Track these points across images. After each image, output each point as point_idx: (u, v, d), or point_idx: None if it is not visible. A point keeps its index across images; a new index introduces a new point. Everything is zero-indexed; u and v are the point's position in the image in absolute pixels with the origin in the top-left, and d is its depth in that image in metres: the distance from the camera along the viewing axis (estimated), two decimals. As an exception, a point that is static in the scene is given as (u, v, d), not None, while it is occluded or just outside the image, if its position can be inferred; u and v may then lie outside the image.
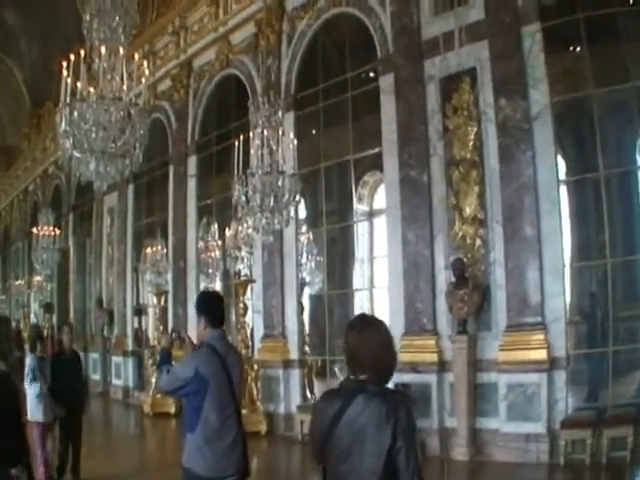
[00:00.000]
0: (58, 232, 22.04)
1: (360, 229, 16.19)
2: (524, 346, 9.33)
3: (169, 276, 17.00)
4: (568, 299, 9.90)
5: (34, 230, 21.97)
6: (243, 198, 9.88)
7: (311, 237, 14.62)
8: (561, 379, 9.21)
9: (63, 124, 7.11)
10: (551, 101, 9.68)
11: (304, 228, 14.60)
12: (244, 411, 12.11)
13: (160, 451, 12.72)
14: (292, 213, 10.44)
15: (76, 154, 7.20)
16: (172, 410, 15.24)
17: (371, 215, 16.55)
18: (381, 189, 14.71)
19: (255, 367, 13.04)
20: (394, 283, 11.42)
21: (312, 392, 13.33)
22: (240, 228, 13.67)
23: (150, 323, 19.81)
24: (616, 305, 9.76)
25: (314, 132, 14.25)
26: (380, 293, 14.14)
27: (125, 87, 7.34)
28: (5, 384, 4.84)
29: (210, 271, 15.78)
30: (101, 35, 7.56)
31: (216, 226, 15.77)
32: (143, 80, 7.91)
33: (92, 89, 7.16)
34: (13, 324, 26.77)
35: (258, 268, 14.03)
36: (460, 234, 10.48)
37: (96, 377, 20.93)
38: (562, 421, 8.96)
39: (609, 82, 9.66)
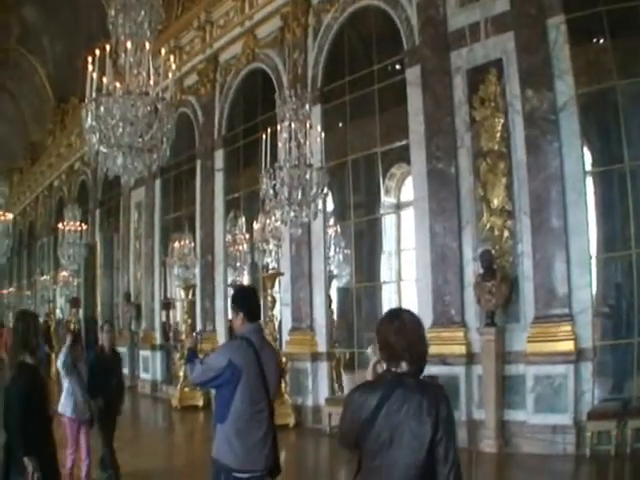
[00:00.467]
0: (85, 227, 22.45)
1: (387, 221, 16.37)
2: (551, 338, 9.46)
3: (197, 270, 17.27)
4: (594, 290, 10.01)
5: (60, 226, 22.37)
6: (271, 191, 10.03)
7: (339, 230, 14.84)
8: (587, 371, 9.34)
9: (89, 119, 7.28)
10: (576, 92, 9.81)
11: (332, 221, 14.84)
12: (271, 403, 12.49)
13: (188, 444, 12.98)
14: (320, 206, 10.67)
15: (103, 149, 7.40)
16: (200, 403, 15.53)
17: (398, 207, 16.71)
18: (408, 181, 14.91)
19: (283, 360, 13.21)
20: (422, 275, 11.58)
21: (340, 385, 13.54)
22: (268, 221, 13.84)
23: (178, 317, 20.21)
24: (642, 296, 9.86)
25: (341, 125, 14.50)
26: (408, 286, 14.37)
27: (152, 82, 7.50)
28: (33, 376, 5.00)
29: (238, 264, 15.99)
30: (127, 30, 7.75)
31: (243, 219, 16.01)
32: (170, 75, 8.00)
33: (118, 84, 7.33)
34: (41, 319, 27.37)
35: (286, 261, 14.25)
36: (488, 226, 10.60)
37: (124, 371, 21.29)
38: (588, 412, 9.09)
39: (633, 74, 9.77)
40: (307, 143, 10.26)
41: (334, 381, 13.45)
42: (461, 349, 10.59)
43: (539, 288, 9.78)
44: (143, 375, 20.05)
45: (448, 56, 11.29)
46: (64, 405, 7.85)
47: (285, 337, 14.13)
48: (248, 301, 5.25)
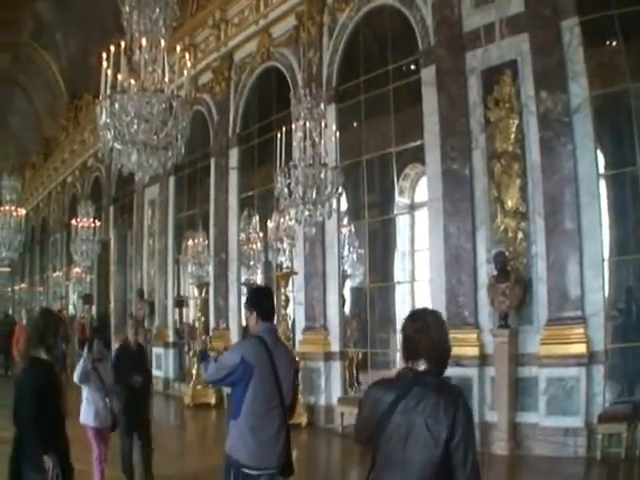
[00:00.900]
0: (98, 224, 22.73)
1: (401, 222, 16.50)
2: (564, 340, 9.57)
3: (210, 268, 17.46)
4: (606, 293, 10.11)
5: (73, 222, 22.67)
6: (285, 190, 10.24)
7: (353, 229, 14.99)
8: (599, 373, 9.45)
9: (104, 116, 7.38)
10: (590, 95, 9.92)
11: (346, 220, 14.96)
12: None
13: (201, 442, 13.13)
14: (334, 205, 10.83)
15: (117, 146, 7.51)
16: (212, 401, 15.75)
17: (412, 208, 16.82)
18: (422, 182, 14.99)
19: (296, 359, 13.37)
20: (436, 276, 11.70)
21: (352, 385, 13.68)
22: (282, 220, 14.08)
23: (191, 315, 20.43)
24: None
25: (355, 124, 14.63)
26: (421, 286, 14.48)
27: (167, 79, 7.62)
28: (47, 372, 5.02)
29: (251, 263, 16.19)
30: (141, 27, 7.84)
31: (257, 218, 16.14)
32: (185, 72, 8.13)
33: (133, 81, 7.44)
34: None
35: (300, 260, 14.44)
36: (502, 227, 10.70)
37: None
38: (599, 415, 9.20)
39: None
40: (322, 142, 10.44)
41: (347, 381, 13.62)
42: (474, 351, 10.68)
43: (552, 290, 9.88)
44: (156, 372, 20.17)
45: (463, 56, 11.40)
46: (86, 415, 7.73)
47: (298, 336, 14.30)
48: (262, 301, 5.42)
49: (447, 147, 11.50)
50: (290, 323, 14.28)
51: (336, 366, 13.43)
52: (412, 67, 13.04)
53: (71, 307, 30.41)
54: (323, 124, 10.59)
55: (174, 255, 20.21)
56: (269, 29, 16.03)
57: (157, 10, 7.91)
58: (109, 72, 7.43)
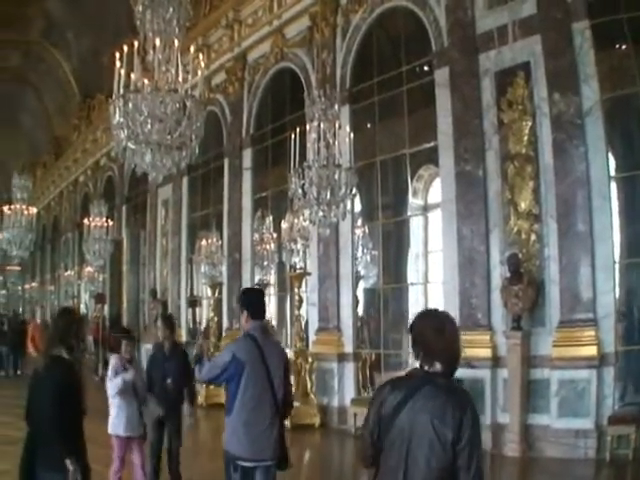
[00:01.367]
0: (111, 223, 22.96)
1: (414, 223, 16.70)
2: (576, 342, 9.75)
3: (224, 268, 17.73)
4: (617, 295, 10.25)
5: (85, 221, 22.90)
6: (299, 191, 10.43)
7: (366, 231, 15.18)
8: (610, 375, 9.62)
9: (117, 115, 7.51)
10: (601, 97, 10.09)
11: (359, 222, 15.15)
12: (297, 404, 12.83)
13: (213, 441, 13.33)
14: (348, 206, 10.99)
15: (131, 145, 7.62)
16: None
17: (426, 209, 16.98)
18: (436, 183, 15.12)
19: (309, 360, 13.60)
20: (449, 278, 11.89)
21: (365, 386, 13.86)
22: (296, 221, 14.20)
23: (204, 314, 20.71)
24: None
25: (369, 126, 14.86)
26: (434, 288, 14.67)
27: (180, 79, 7.72)
28: (68, 371, 4.96)
29: (265, 263, 16.35)
30: (154, 27, 7.95)
31: (271, 219, 16.34)
32: (199, 72, 8.32)
33: (146, 81, 7.56)
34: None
35: (313, 261, 14.68)
36: (515, 229, 10.86)
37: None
38: (609, 417, 9.38)
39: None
40: (336, 143, 10.60)
41: (360, 382, 13.78)
42: (487, 352, 10.84)
43: (564, 292, 10.06)
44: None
45: (476, 58, 11.57)
46: (115, 425, 7.33)
47: (312, 337, 14.51)
48: (251, 300, 5.84)
49: (460, 149, 11.67)
50: (303, 324, 14.44)
51: (349, 367, 13.62)
52: (425, 68, 13.26)
53: (83, 306, 30.71)
54: (337, 125, 10.77)
55: (187, 255, 20.53)
56: (283, 30, 16.29)
57: (170, 10, 8.02)
58: (122, 72, 7.55)
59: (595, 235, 9.90)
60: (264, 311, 5.96)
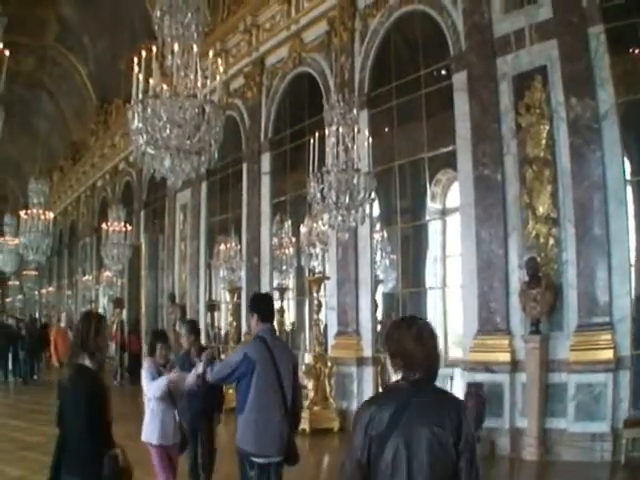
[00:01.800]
0: (129, 228, 23.25)
1: (433, 227, 16.90)
2: (593, 346, 9.92)
3: (243, 273, 17.99)
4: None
5: (104, 226, 23.12)
6: (318, 195, 10.59)
7: (385, 235, 15.38)
8: (625, 379, 9.78)
9: (136, 121, 7.70)
10: (616, 101, 10.26)
11: (378, 226, 15.35)
12: (316, 407, 13.10)
13: (232, 444, 13.60)
14: (367, 211, 11.18)
15: (150, 150, 7.81)
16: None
17: (444, 213, 17.15)
18: (454, 187, 15.30)
19: (329, 364, 13.82)
20: (468, 282, 12.06)
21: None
22: (315, 225, 14.38)
23: (223, 319, 20.98)
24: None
25: (387, 130, 15.08)
26: (453, 292, 14.88)
27: (199, 84, 7.91)
28: (92, 381, 4.81)
29: (284, 268, 16.53)
30: (173, 32, 8.13)
31: (289, 223, 16.54)
32: (218, 77, 8.43)
33: (165, 86, 7.73)
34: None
35: (332, 265, 14.92)
36: (533, 233, 11.01)
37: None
38: (625, 420, 9.53)
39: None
40: (354, 148, 10.78)
41: (379, 386, 13.85)
42: (506, 357, 11.00)
43: (582, 296, 10.22)
44: (187, 377, 20.74)
45: (494, 62, 11.74)
46: (150, 431, 6.89)
47: (330, 341, 14.74)
48: (261, 305, 6.29)
49: (479, 153, 11.83)
50: (322, 328, 14.67)
51: (368, 371, 13.80)
52: (443, 72, 13.43)
53: (101, 311, 31.06)
54: (356, 130, 10.95)
55: (206, 259, 20.89)
56: (300, 34, 16.59)
57: (189, 15, 8.19)
58: (140, 77, 7.73)
59: (611, 239, 10.05)
60: (273, 314, 6.36)
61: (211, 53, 8.55)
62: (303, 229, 14.99)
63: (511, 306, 11.18)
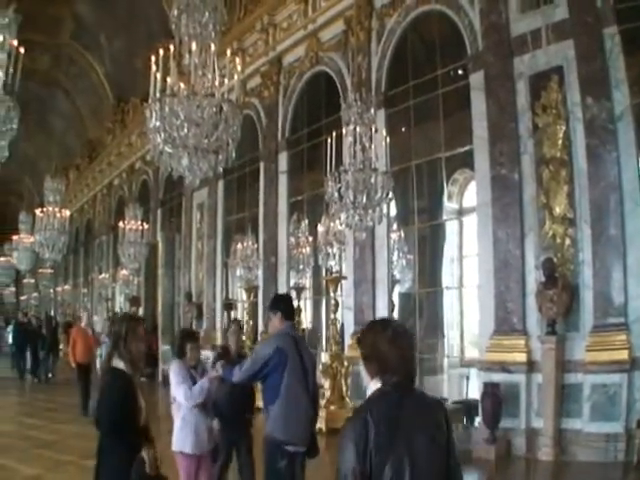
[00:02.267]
0: (146, 227, 23.64)
1: (449, 227, 17.09)
2: (608, 347, 10.07)
3: (259, 272, 18.26)
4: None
5: (120, 224, 23.57)
6: (336, 194, 10.77)
7: (402, 235, 15.58)
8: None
9: (153, 119, 7.87)
10: (631, 102, 10.40)
11: (395, 226, 15.54)
12: (332, 407, 13.30)
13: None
14: (384, 210, 11.35)
15: (167, 149, 7.97)
16: (260, 404, 16.31)
17: (460, 213, 17.27)
18: (471, 187, 15.42)
19: (345, 364, 13.96)
20: (484, 282, 12.21)
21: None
22: (332, 224, 14.48)
23: (239, 318, 21.21)
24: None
25: (404, 129, 15.26)
26: (469, 292, 15.06)
27: (217, 83, 8.07)
28: (123, 384, 4.78)
29: (301, 267, 16.73)
30: (190, 31, 8.31)
31: (307, 222, 16.73)
32: (235, 76, 8.56)
33: (182, 85, 7.90)
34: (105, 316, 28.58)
35: (349, 265, 15.11)
36: (550, 233, 11.15)
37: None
38: (638, 420, 9.60)
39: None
40: (372, 147, 10.96)
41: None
42: (522, 357, 11.14)
43: (598, 297, 10.36)
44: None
45: (511, 62, 11.89)
46: (181, 440, 6.53)
47: (347, 341, 14.91)
48: (285, 303, 6.61)
49: (496, 152, 11.98)
50: (339, 327, 14.82)
51: (385, 371, 13.89)
52: (460, 72, 13.60)
53: (118, 309, 31.38)
54: (373, 129, 11.12)
55: (223, 258, 21.20)
56: (318, 34, 16.83)
57: (206, 14, 8.37)
58: (158, 76, 7.90)
59: (627, 239, 10.19)
60: (294, 313, 6.75)
61: (229, 52, 8.67)
62: (320, 228, 15.10)
63: (528, 306, 11.30)
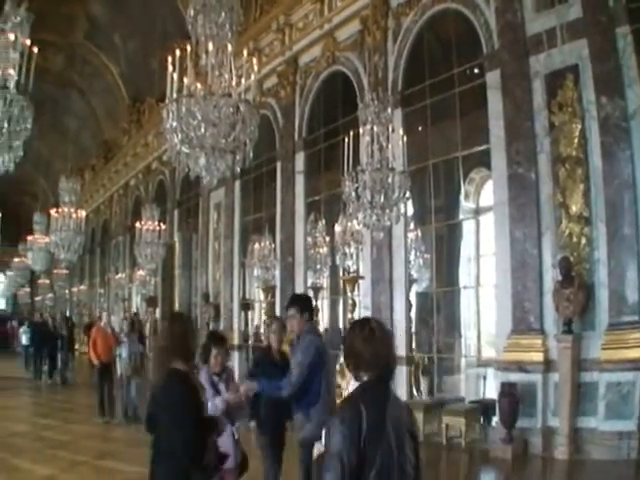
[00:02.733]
0: (163, 227, 23.79)
1: (466, 226, 17.29)
2: (623, 345, 10.27)
3: (277, 272, 18.51)
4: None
5: (137, 225, 23.69)
6: (353, 194, 10.92)
7: (419, 234, 15.80)
8: (653, 377, 10.16)
9: (170, 119, 7.96)
10: (643, 101, 10.64)
11: (412, 225, 15.76)
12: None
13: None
14: (402, 210, 11.51)
15: (185, 149, 8.06)
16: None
17: (477, 212, 17.44)
18: (487, 186, 15.61)
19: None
20: (501, 281, 12.42)
21: (418, 389, 14.46)
22: (349, 224, 14.76)
23: (256, 318, 21.52)
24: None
25: (420, 129, 15.51)
26: (486, 291, 15.25)
27: (234, 83, 8.16)
28: (182, 383, 4.68)
29: (318, 267, 16.96)
30: (207, 31, 8.37)
31: (324, 222, 16.99)
32: (252, 76, 8.67)
33: (199, 85, 7.99)
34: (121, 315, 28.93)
35: (367, 265, 15.36)
36: (567, 232, 11.36)
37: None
38: None
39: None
40: (389, 147, 11.12)
41: (412, 385, 14.38)
42: (539, 356, 11.37)
43: (613, 295, 10.59)
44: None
45: (527, 61, 12.13)
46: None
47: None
48: (310, 304, 6.94)
49: (512, 151, 12.20)
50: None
51: (402, 371, 14.07)
52: (476, 71, 13.84)
53: (134, 309, 31.71)
54: (390, 128, 11.29)
55: (240, 258, 21.47)
56: (334, 33, 17.08)
57: (223, 14, 8.44)
58: (175, 76, 8.02)
59: (641, 238, 10.42)
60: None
61: (245, 52, 8.86)
62: (337, 228, 15.35)
63: (545, 306, 11.52)
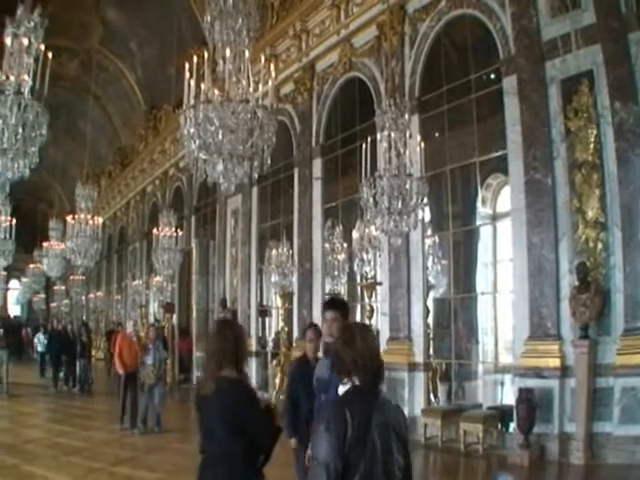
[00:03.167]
0: (180, 233, 24.11)
1: (483, 232, 17.46)
2: (638, 350, 10.46)
3: (294, 278, 18.78)
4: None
5: (154, 231, 23.96)
6: (371, 200, 11.08)
7: (437, 240, 16.02)
8: (666, 382, 10.36)
9: (188, 126, 8.07)
10: (657, 106, 10.87)
11: (429, 231, 15.95)
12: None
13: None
14: (419, 216, 11.62)
15: (202, 156, 8.17)
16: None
17: (494, 218, 17.60)
18: (504, 191, 15.77)
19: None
20: (519, 287, 12.61)
21: (436, 395, 14.65)
22: (367, 230, 14.94)
23: (274, 324, 21.76)
24: None
25: (437, 135, 15.73)
26: (503, 297, 15.45)
27: (251, 89, 8.26)
28: (232, 391, 4.66)
29: (336, 273, 17.18)
30: (224, 37, 8.47)
31: (341, 228, 17.19)
32: (270, 82, 8.79)
33: (217, 91, 8.11)
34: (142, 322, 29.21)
35: (384, 271, 15.60)
36: (583, 237, 11.57)
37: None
38: None
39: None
40: (406, 153, 11.30)
41: (430, 392, 14.56)
42: (556, 362, 11.56)
43: (628, 301, 10.80)
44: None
45: (543, 66, 12.36)
46: None
47: (382, 347, 15.17)
48: (348, 308, 6.82)
49: (529, 157, 12.42)
50: (374, 334, 15.12)
51: (420, 377, 14.41)
52: (492, 76, 14.04)
53: (151, 315, 32.05)
54: (408, 134, 11.47)
55: (257, 265, 21.77)
56: (350, 39, 17.39)
57: (239, 20, 8.52)
58: (192, 82, 8.15)
59: (656, 243, 10.61)
60: None
61: (263, 58, 9.13)
62: (355, 234, 15.48)
63: (562, 311, 11.71)
